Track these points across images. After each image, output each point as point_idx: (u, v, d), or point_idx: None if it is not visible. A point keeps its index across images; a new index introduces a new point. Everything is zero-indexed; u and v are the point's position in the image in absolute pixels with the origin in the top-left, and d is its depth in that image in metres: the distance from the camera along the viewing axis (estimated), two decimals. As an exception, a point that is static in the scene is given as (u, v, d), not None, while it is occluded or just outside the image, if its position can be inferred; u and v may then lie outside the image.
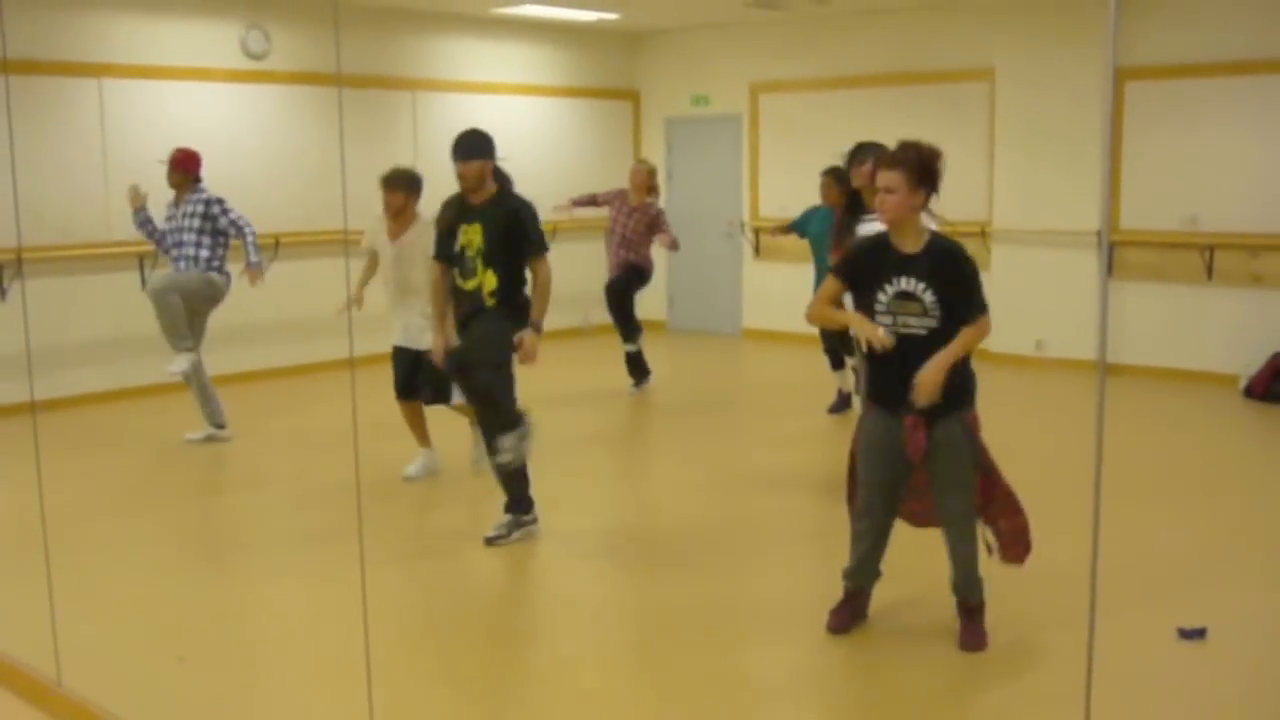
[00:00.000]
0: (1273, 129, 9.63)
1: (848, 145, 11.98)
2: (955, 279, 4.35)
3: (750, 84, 12.79)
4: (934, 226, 5.59)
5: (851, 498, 4.77)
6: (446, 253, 5.88)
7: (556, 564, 5.76)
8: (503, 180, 5.88)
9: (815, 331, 11.95)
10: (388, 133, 11.34)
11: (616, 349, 9.94)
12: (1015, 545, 4.63)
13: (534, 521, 5.97)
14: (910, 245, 4.38)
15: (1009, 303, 11.07)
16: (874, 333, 4.37)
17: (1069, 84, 10.49)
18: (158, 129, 9.84)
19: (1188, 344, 10.11)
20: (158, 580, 5.54)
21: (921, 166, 4.31)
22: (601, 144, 13.41)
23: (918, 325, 4.36)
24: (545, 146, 12.73)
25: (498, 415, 5.75)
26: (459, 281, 5.84)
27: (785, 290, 12.62)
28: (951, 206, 11.59)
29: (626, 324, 9.90)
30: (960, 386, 4.50)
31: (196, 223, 8.02)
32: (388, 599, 5.01)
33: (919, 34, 11.54)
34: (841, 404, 8.96)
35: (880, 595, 4.84)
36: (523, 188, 11.17)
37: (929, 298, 4.31)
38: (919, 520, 4.76)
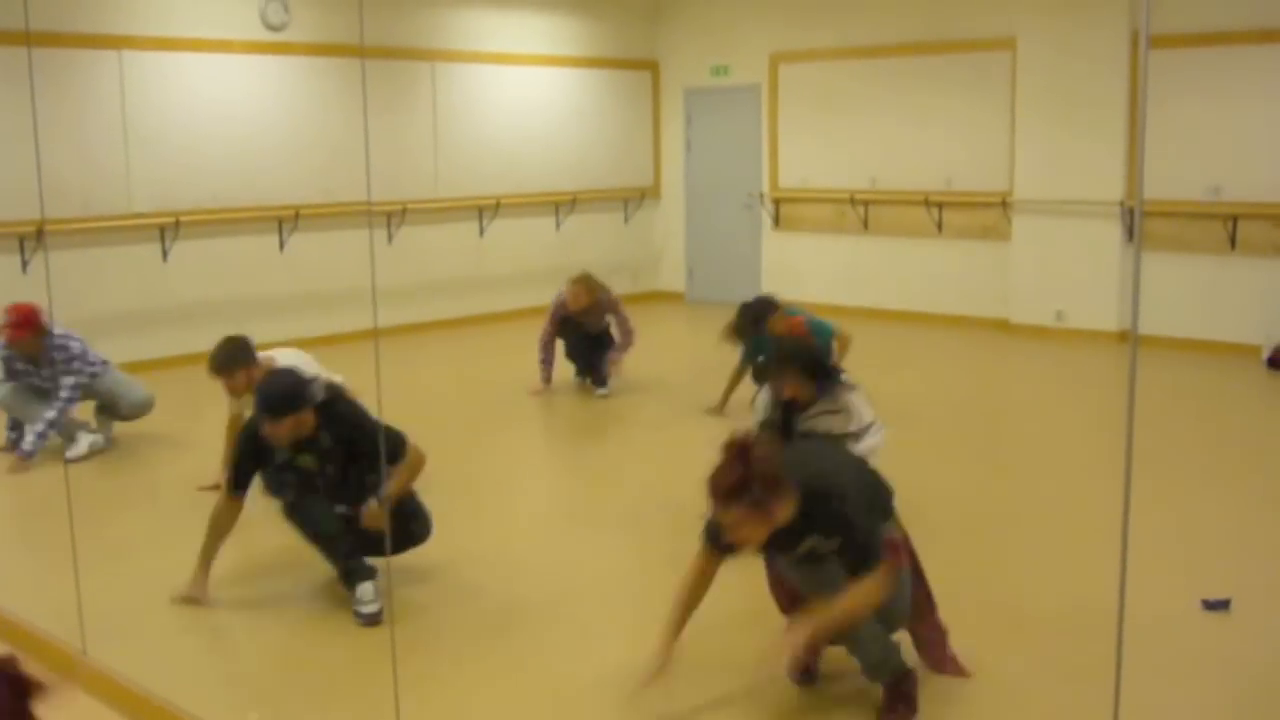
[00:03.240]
0: (1298, 98, 9.56)
1: (866, 116, 12.00)
2: (835, 525, 3.58)
3: (770, 54, 12.72)
4: (867, 418, 5.29)
5: None
6: (244, 484, 4.90)
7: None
8: (323, 408, 4.74)
9: (835, 301, 12.01)
10: (407, 104, 11.32)
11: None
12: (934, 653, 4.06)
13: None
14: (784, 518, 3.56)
15: (1030, 273, 11.05)
16: (662, 666, 3.78)
17: (1091, 52, 10.41)
18: (178, 101, 9.86)
19: (1210, 314, 10.04)
20: (184, 550, 5.56)
21: (763, 486, 3.44)
22: (622, 114, 13.37)
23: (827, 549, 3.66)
24: (564, 118, 12.70)
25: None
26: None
27: (804, 260, 12.62)
28: (973, 177, 11.66)
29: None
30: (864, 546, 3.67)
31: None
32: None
33: (940, 2, 11.45)
34: None
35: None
36: (543, 160, 11.29)
37: (826, 545, 3.63)
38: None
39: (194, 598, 4.84)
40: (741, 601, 4.37)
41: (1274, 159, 9.68)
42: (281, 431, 4.62)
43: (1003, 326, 11.25)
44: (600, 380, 8.70)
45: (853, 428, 5.31)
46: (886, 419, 6.64)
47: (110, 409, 7.42)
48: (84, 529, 4.82)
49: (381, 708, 3.61)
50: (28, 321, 6.91)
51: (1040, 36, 10.71)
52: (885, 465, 6.45)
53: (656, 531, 5.70)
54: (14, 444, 7.09)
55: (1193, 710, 3.91)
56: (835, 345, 7.11)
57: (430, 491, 5.19)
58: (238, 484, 4.86)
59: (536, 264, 12.32)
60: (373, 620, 4.63)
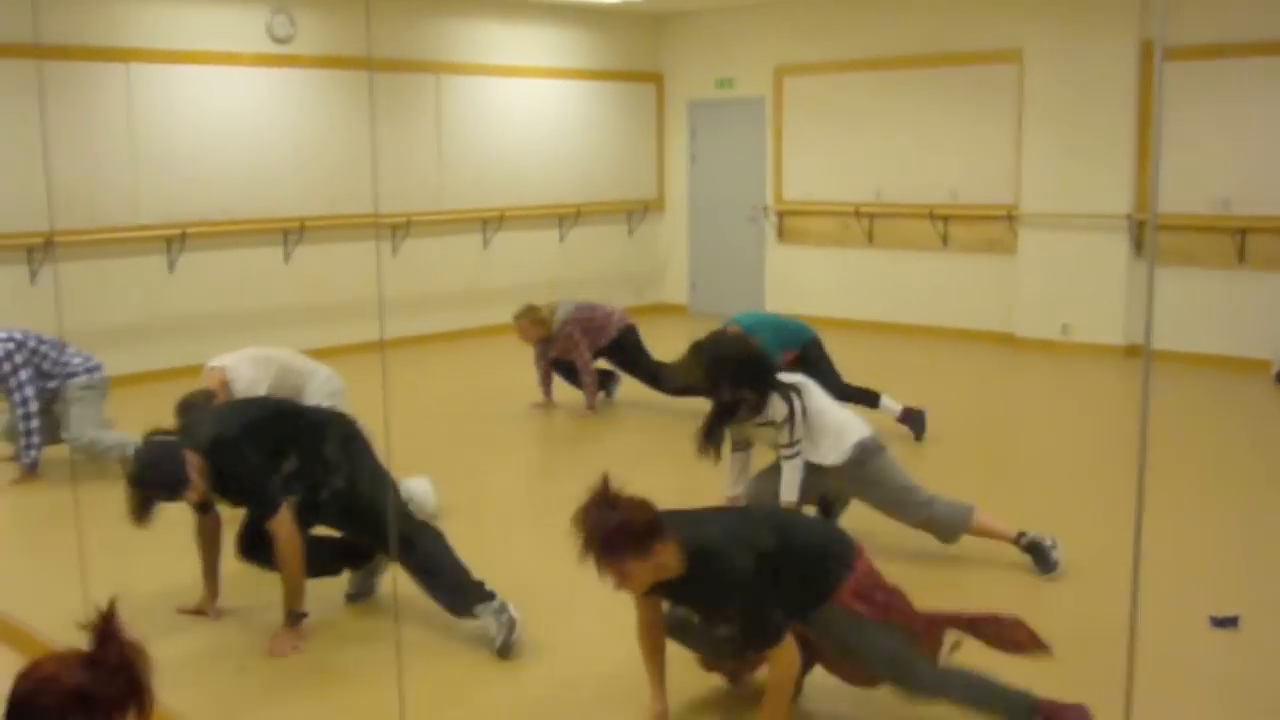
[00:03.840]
0: (1305, 111, 9.55)
1: (871, 129, 12.00)
2: (719, 602, 3.52)
3: (774, 66, 12.73)
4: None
5: None
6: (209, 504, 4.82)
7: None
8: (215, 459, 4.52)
9: (840, 315, 12.00)
10: (412, 116, 11.34)
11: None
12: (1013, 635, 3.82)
13: (503, 609, 4.52)
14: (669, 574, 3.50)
15: (1036, 287, 11.04)
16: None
17: (1098, 64, 10.40)
18: (184, 113, 9.89)
19: (1219, 329, 10.02)
20: (193, 560, 5.55)
21: (626, 533, 3.37)
22: (626, 127, 13.38)
23: (726, 631, 3.60)
24: (568, 130, 12.72)
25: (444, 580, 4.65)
26: None
27: (808, 273, 12.61)
28: (979, 190, 11.65)
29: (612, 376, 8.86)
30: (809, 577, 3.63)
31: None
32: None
33: (945, 15, 11.47)
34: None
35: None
36: (547, 172, 11.28)
37: (720, 628, 3.62)
38: (857, 679, 3.88)
39: (201, 611, 4.84)
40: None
41: (1281, 173, 9.67)
42: (194, 495, 4.52)
43: (1008, 340, 11.23)
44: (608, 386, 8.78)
45: (781, 440, 5.23)
46: (890, 433, 6.64)
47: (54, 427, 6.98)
48: (92, 536, 4.80)
49: (388, 715, 3.60)
50: None
51: (1047, 48, 10.71)
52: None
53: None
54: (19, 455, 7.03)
55: (1202, 726, 3.90)
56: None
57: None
58: (202, 506, 4.76)
59: (540, 276, 12.32)
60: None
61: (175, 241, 9.80)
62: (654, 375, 8.52)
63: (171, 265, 9.85)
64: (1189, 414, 8.29)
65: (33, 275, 9.07)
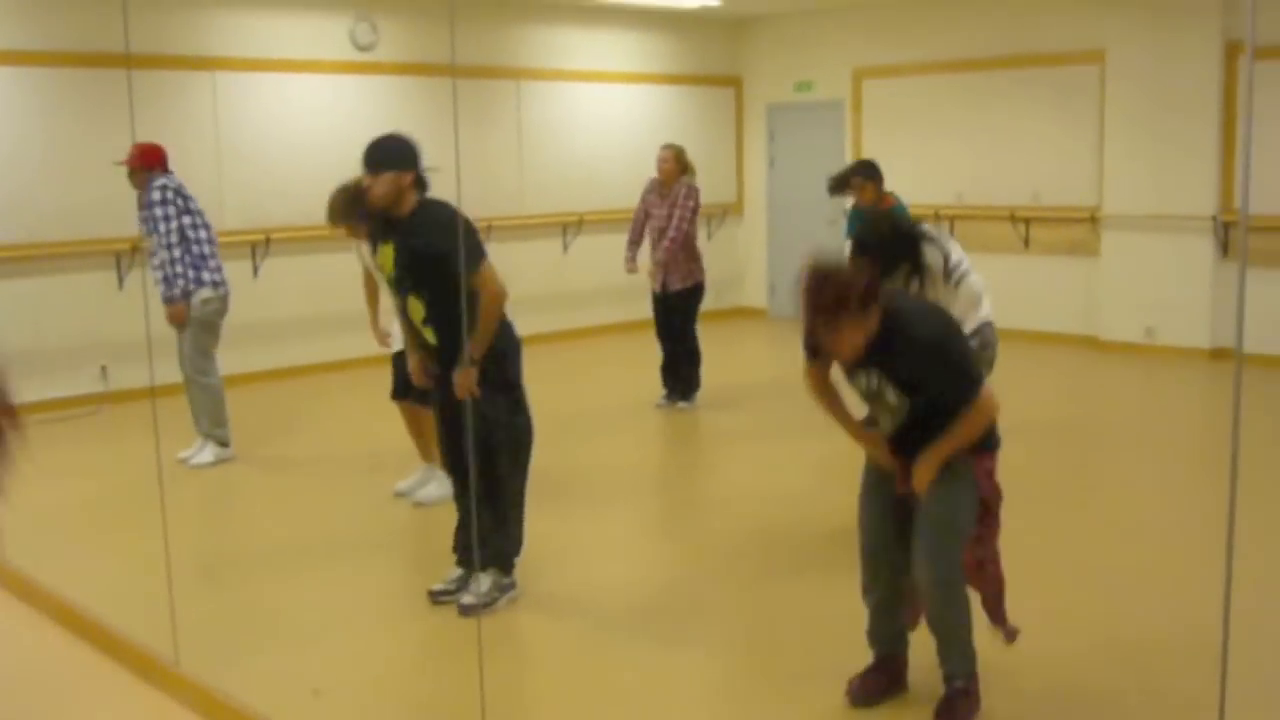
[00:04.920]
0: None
1: (951, 131, 11.92)
2: (912, 367, 3.61)
3: (853, 69, 12.67)
4: (954, 258, 5.24)
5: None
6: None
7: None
8: (426, 194, 4.83)
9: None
10: (493, 122, 11.43)
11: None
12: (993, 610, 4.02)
13: (514, 585, 4.96)
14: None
15: (1119, 289, 10.88)
16: (877, 453, 3.86)
17: (1182, 64, 10.24)
18: (269, 120, 10.05)
19: (1308, 332, 9.81)
20: (273, 565, 5.64)
21: (840, 301, 3.49)
22: (705, 131, 13.37)
23: (898, 413, 3.71)
24: (648, 134, 12.69)
25: (497, 527, 4.87)
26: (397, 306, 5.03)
27: (889, 277, 12.51)
28: (1061, 192, 11.51)
29: (687, 366, 8.76)
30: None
31: (147, 227, 7.18)
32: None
33: (1026, 16, 11.34)
34: None
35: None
36: (626, 176, 11.26)
37: (892, 395, 3.68)
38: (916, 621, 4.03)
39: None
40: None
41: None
42: (377, 188, 4.70)
43: (1092, 343, 11.08)
44: (686, 393, 8.71)
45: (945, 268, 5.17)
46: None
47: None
48: (183, 538, 4.89)
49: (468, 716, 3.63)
50: (148, 152, 7.15)
51: (1130, 48, 10.56)
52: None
53: (738, 548, 5.69)
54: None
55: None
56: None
57: (537, 520, 5.19)
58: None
59: (619, 280, 12.30)
60: (466, 611, 4.77)
61: (260, 246, 9.95)
62: (690, 322, 8.75)
63: (256, 270, 10.00)
64: (1277, 418, 8.12)
65: (121, 280, 9.26)
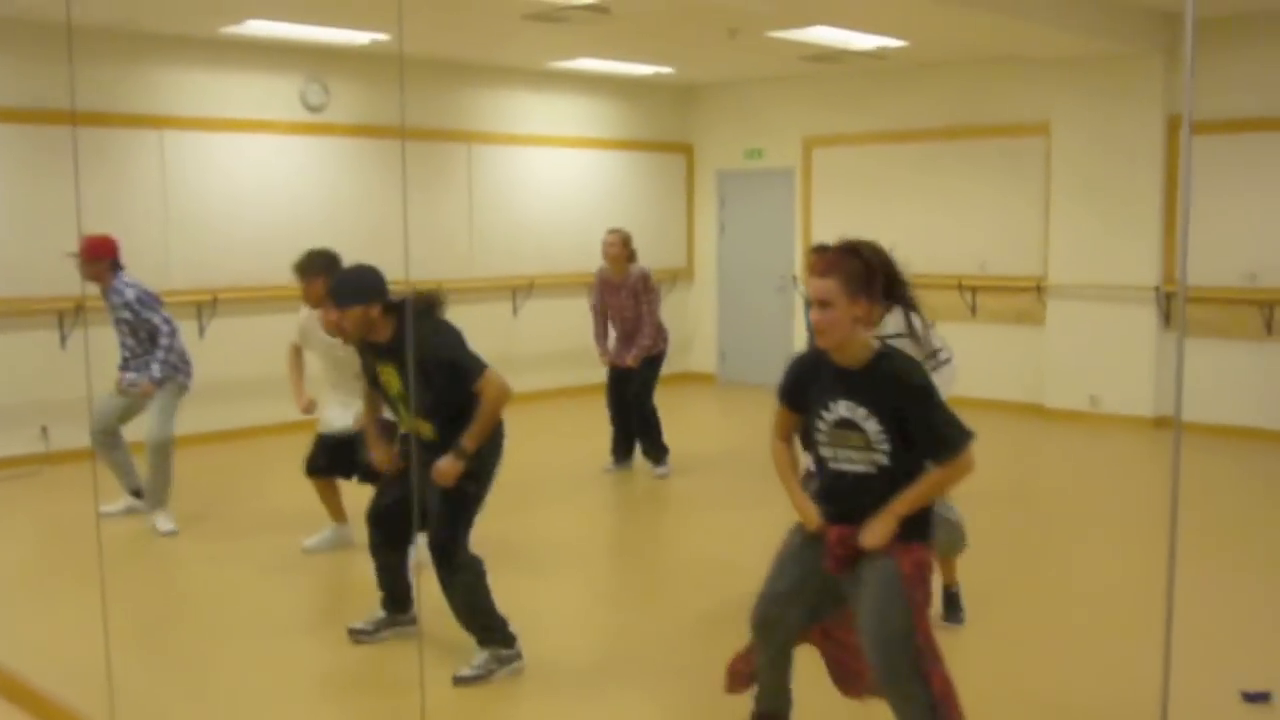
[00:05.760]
0: (1334, 184, 9.54)
1: (900, 200, 12.08)
2: (903, 405, 3.52)
3: (803, 137, 12.82)
4: (936, 344, 5.44)
5: None
6: (373, 385, 5.14)
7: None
8: (401, 315, 4.87)
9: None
10: (443, 184, 11.45)
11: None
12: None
13: (518, 656, 4.93)
14: (851, 360, 3.58)
15: (1064, 358, 11.00)
16: (809, 520, 3.71)
17: (1125, 138, 10.44)
18: (217, 180, 10.01)
19: (1248, 400, 9.95)
20: (211, 622, 5.55)
21: (861, 272, 3.55)
22: (655, 196, 13.47)
23: (862, 462, 3.56)
24: (599, 199, 12.80)
25: (474, 616, 4.88)
26: (374, 407, 5.26)
27: (838, 343, 12.58)
28: (1007, 261, 11.67)
29: (650, 433, 8.72)
30: (910, 518, 3.58)
31: (128, 316, 7.22)
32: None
33: (974, 87, 11.53)
34: None
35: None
36: (576, 240, 11.40)
37: (872, 427, 3.52)
38: (854, 689, 3.93)
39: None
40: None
41: (1311, 246, 9.65)
42: (346, 324, 4.77)
43: (1038, 411, 11.18)
44: (659, 459, 8.70)
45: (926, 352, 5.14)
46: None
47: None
48: (117, 597, 4.80)
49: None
50: (102, 244, 7.09)
51: (1075, 122, 10.75)
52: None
53: (690, 608, 5.66)
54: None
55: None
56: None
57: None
58: (375, 387, 5.10)
59: (570, 344, 12.35)
60: (460, 681, 4.76)
61: (206, 307, 9.88)
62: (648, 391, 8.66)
63: (202, 331, 9.92)
64: (1218, 486, 8.21)
65: (63, 339, 9.15)
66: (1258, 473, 8.84)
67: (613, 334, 8.75)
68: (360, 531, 5.86)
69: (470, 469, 4.75)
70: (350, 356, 5.72)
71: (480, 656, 4.83)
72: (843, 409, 3.56)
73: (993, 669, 4.89)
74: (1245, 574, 6.27)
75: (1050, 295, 11.04)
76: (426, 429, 4.83)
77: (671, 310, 13.49)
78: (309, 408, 6.73)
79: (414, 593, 5.24)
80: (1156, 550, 5.72)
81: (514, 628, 4.91)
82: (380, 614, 5.25)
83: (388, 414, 5.30)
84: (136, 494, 7.53)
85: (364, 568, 5.44)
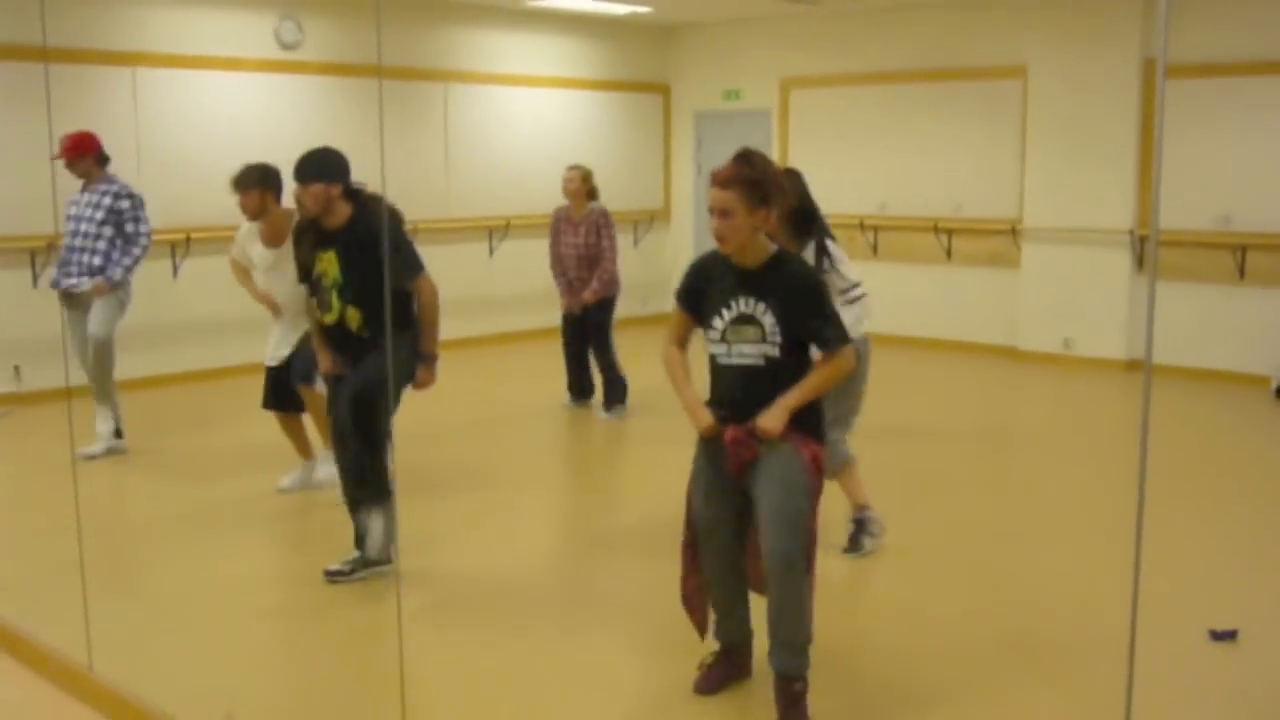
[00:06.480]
0: (1308, 129, 9.57)
1: (876, 142, 12.06)
2: (799, 300, 3.75)
3: (781, 79, 12.76)
4: (844, 269, 5.62)
5: (687, 545, 4.12)
6: (306, 279, 5.24)
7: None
8: (361, 202, 5.10)
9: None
10: (420, 124, 11.38)
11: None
12: None
13: (388, 562, 5.22)
14: (751, 261, 3.80)
15: (1038, 300, 11.06)
16: (699, 420, 3.89)
17: (1101, 81, 10.44)
18: (191, 118, 9.91)
19: (1219, 344, 10.03)
20: (190, 565, 5.56)
21: (759, 183, 3.73)
22: (632, 137, 13.41)
23: (754, 354, 3.77)
24: (576, 139, 12.73)
25: (372, 476, 5.09)
26: (318, 315, 5.20)
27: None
28: (983, 204, 11.69)
29: (613, 381, 8.68)
30: (803, 414, 3.80)
31: (100, 215, 7.29)
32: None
33: (951, 30, 11.50)
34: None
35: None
36: (553, 181, 11.29)
37: (768, 320, 3.74)
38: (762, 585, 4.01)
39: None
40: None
41: (1283, 190, 9.69)
42: (308, 199, 4.97)
43: (1011, 353, 11.25)
44: (615, 398, 8.69)
45: (840, 286, 5.39)
46: (895, 444, 6.65)
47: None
48: (91, 539, 4.81)
49: (386, 710, 3.61)
50: (87, 140, 7.29)
51: (1051, 65, 10.74)
52: (895, 488, 6.48)
53: (653, 549, 5.70)
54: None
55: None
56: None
57: (441, 509, 5.17)
58: (302, 277, 5.25)
59: (545, 285, 12.30)
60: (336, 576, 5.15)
61: (180, 246, 9.82)
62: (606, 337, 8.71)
63: (175, 270, 9.87)
64: (1189, 428, 8.30)
65: (35, 278, 9.09)
66: (1228, 415, 8.93)
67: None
68: (330, 470, 5.92)
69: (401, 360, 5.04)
70: (287, 263, 5.77)
71: (352, 556, 5.20)
72: (742, 305, 3.79)
73: (963, 606, 4.96)
74: (1214, 515, 6.35)
75: (1025, 238, 11.08)
76: (356, 317, 5.00)
77: (648, 251, 13.53)
78: (277, 308, 6.62)
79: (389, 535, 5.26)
80: (1127, 491, 5.79)
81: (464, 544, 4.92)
82: (355, 553, 5.28)
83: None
84: (118, 434, 7.54)
85: (338, 510, 5.48)
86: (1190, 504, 6.44)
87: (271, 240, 6.44)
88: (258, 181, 6.37)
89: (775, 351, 3.76)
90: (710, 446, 3.91)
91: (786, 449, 3.74)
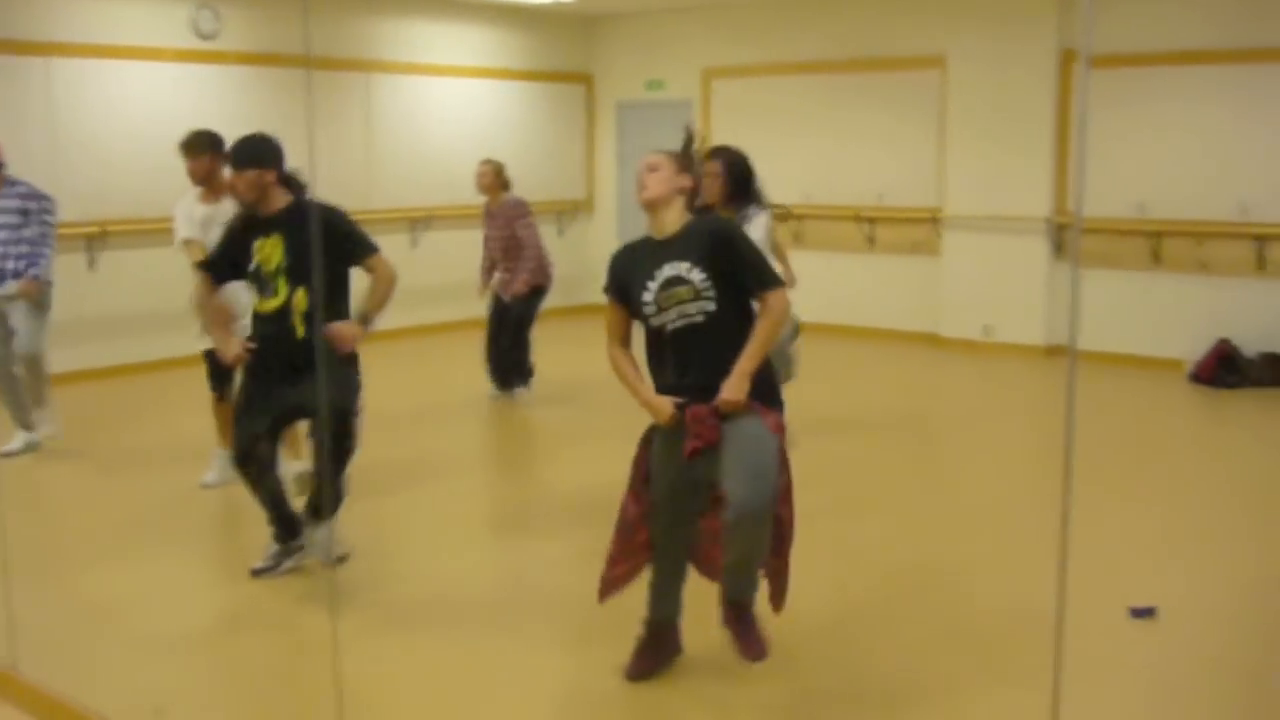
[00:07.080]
0: (1222, 118, 9.76)
1: (798, 132, 12.13)
2: (723, 249, 3.86)
3: (703, 69, 12.80)
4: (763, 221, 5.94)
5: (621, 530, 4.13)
6: (217, 265, 5.15)
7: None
8: (297, 188, 5.08)
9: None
10: (342, 115, 11.28)
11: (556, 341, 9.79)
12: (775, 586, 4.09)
13: (302, 546, 5.25)
14: (669, 229, 3.96)
15: (959, 288, 11.20)
16: (660, 412, 3.92)
17: (1019, 71, 10.59)
18: (107, 110, 9.74)
19: (1135, 329, 10.23)
20: (118, 561, 5.49)
21: (688, 159, 4.10)
22: (555, 127, 13.39)
23: (694, 311, 3.83)
24: (499, 130, 12.69)
25: (329, 489, 5.03)
26: (258, 304, 5.06)
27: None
28: (904, 193, 11.80)
29: (519, 356, 8.79)
30: (760, 382, 3.87)
31: (15, 220, 7.13)
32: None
33: (872, 20, 11.60)
34: None
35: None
36: (474, 171, 11.26)
37: (697, 276, 3.82)
38: (713, 572, 4.12)
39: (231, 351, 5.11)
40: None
41: (1196, 178, 9.89)
42: (243, 184, 4.94)
43: (933, 340, 11.38)
44: (518, 380, 8.76)
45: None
46: (818, 431, 6.68)
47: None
48: (15, 537, 4.73)
49: (320, 711, 3.59)
50: None
51: (969, 55, 10.87)
52: (819, 474, 6.54)
53: (580, 540, 5.71)
54: None
55: (1121, 713, 3.99)
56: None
57: (370, 508, 5.15)
58: (215, 273, 5.15)
59: (470, 276, 12.24)
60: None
61: (96, 239, 9.65)
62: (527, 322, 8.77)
63: (92, 263, 9.71)
64: (1107, 412, 8.45)
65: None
66: (1145, 399, 9.12)
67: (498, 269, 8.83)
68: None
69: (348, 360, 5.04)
70: (225, 219, 5.62)
71: (273, 549, 5.21)
72: (668, 270, 3.88)
73: (892, 588, 5.02)
74: (1133, 497, 6.48)
75: (946, 226, 11.21)
76: (304, 300, 4.91)
77: (572, 243, 13.51)
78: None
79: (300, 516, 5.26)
80: (1049, 474, 5.89)
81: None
82: (274, 546, 5.25)
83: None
84: (30, 429, 7.42)
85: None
86: (1111, 485, 6.56)
87: (210, 199, 6.36)
88: (208, 145, 6.30)
89: (712, 305, 3.82)
90: (670, 433, 3.91)
91: (751, 417, 3.80)
